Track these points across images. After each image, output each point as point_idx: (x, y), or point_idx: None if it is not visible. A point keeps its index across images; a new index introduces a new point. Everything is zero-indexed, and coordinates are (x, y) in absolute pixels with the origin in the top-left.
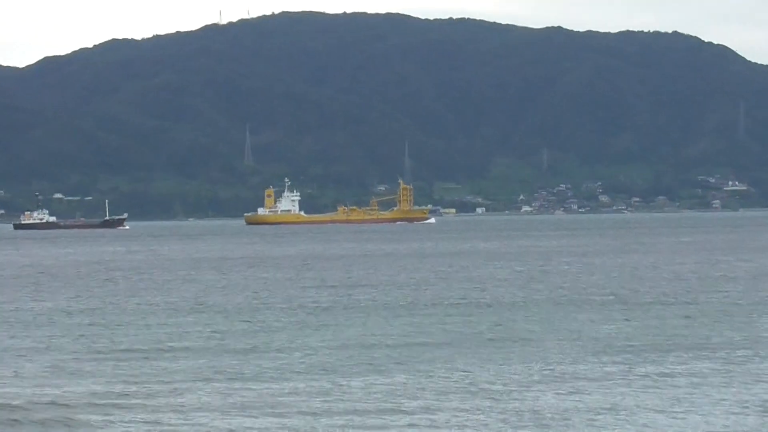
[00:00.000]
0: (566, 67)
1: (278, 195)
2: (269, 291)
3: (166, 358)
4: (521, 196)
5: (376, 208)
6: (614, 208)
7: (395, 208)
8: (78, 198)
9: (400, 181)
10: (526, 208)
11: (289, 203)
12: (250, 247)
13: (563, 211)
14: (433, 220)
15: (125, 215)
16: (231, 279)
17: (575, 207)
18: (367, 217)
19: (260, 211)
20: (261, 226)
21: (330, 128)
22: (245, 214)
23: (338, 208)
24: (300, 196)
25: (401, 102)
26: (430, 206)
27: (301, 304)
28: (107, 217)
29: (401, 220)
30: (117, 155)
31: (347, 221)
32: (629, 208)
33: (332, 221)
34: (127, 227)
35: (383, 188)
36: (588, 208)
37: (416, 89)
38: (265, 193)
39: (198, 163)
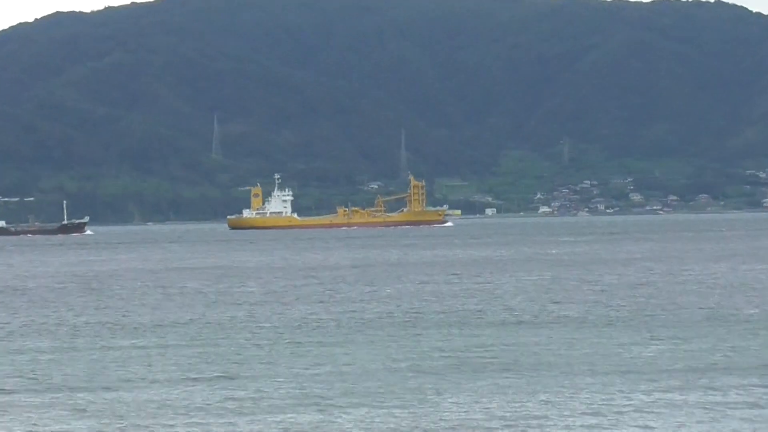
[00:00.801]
0: (591, 42)
1: (267, 194)
2: (264, 305)
3: (132, 389)
4: (538, 195)
5: (383, 209)
6: (647, 208)
7: (405, 209)
8: (17, 199)
9: (411, 177)
10: (543, 208)
11: (279, 204)
12: (246, 256)
13: (588, 212)
14: (450, 223)
15: (86, 218)
16: (221, 291)
17: (602, 207)
18: (371, 219)
19: (246, 213)
20: (247, 230)
21: (313, 117)
22: (228, 216)
23: (337, 210)
24: (293, 195)
25: (397, 86)
26: (446, 207)
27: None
28: (66, 221)
29: (413, 223)
30: (61, 148)
31: (348, 225)
32: (665, 209)
33: (331, 225)
34: (90, 233)
35: (375, 186)
36: (617, 209)
37: (414, 71)
38: (252, 192)
39: (157, 157)
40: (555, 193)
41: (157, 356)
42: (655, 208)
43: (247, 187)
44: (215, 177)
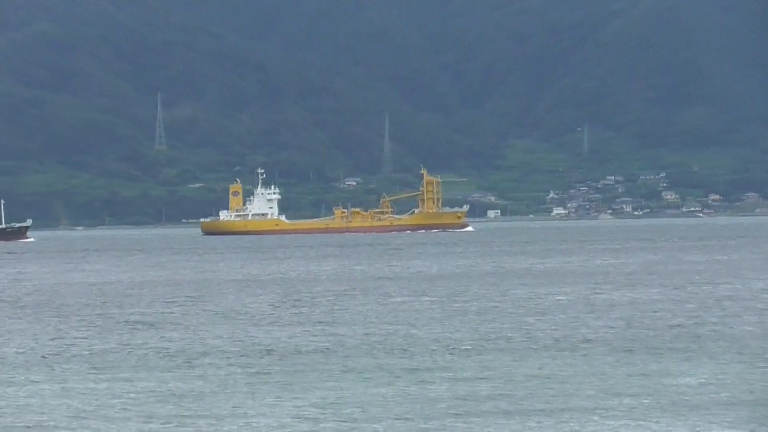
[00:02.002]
0: (615, 8)
1: (248, 193)
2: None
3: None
4: (551, 194)
5: (390, 210)
6: (684, 209)
7: (416, 211)
8: None
9: (423, 171)
10: (557, 210)
11: (264, 204)
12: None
13: (611, 214)
14: (470, 227)
15: (29, 222)
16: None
17: (628, 208)
18: (376, 223)
19: (223, 215)
20: (225, 236)
21: (277, 100)
22: (202, 219)
23: (334, 211)
24: (280, 194)
25: (379, 63)
26: (466, 207)
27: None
28: (4, 225)
29: (427, 227)
30: None
31: (347, 229)
32: (705, 210)
33: (326, 229)
34: (32, 239)
35: (353, 183)
36: (646, 210)
37: (400, 45)
38: (230, 190)
39: (89, 149)
40: (571, 191)
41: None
42: (692, 209)
43: (198, 184)
44: (159, 172)
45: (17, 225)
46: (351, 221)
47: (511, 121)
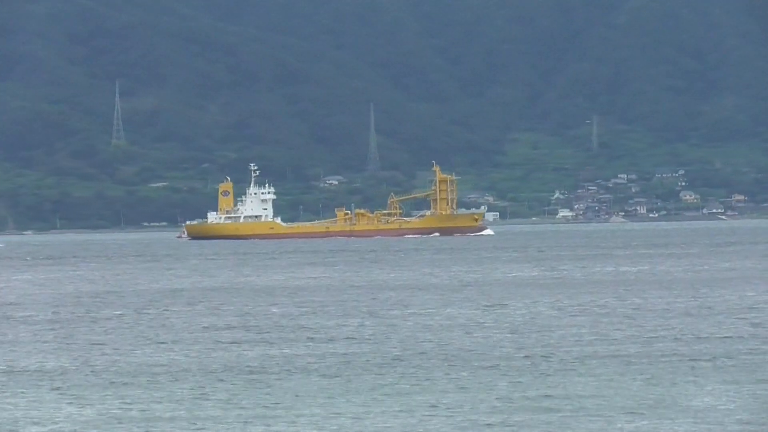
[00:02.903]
0: None
1: (240, 192)
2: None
3: None
4: (557, 194)
5: (399, 211)
6: (704, 211)
7: (428, 212)
8: None
9: (436, 168)
10: (564, 212)
11: (257, 205)
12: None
13: (624, 216)
14: (489, 230)
15: None
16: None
17: (643, 210)
18: (383, 226)
19: (212, 217)
20: (214, 240)
21: (250, 88)
22: (187, 222)
23: (336, 213)
24: (275, 193)
25: (365, 45)
26: (484, 208)
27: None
28: None
29: (441, 230)
30: None
31: (351, 233)
32: (729, 212)
33: (327, 233)
34: (1, 245)
35: (335, 182)
36: (663, 212)
37: (389, 26)
38: (220, 189)
39: (37, 143)
40: (580, 191)
41: None
42: (714, 211)
43: (160, 183)
44: (117, 170)
45: None
46: (355, 224)
47: (514, 112)
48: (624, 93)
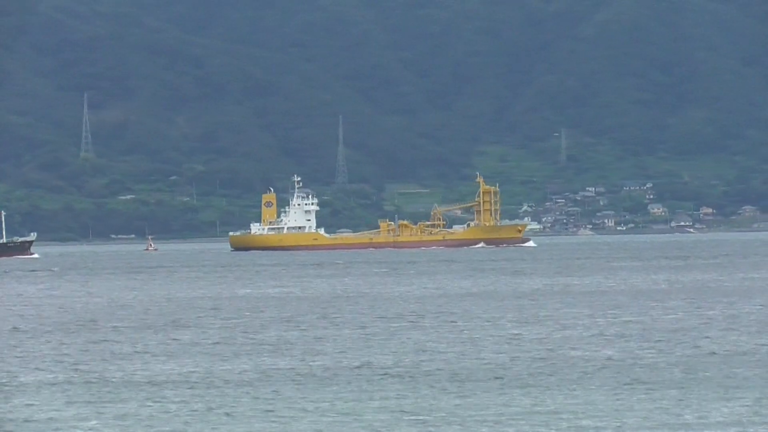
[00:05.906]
0: None
1: (283, 203)
2: None
3: None
4: (524, 207)
5: (442, 223)
6: (673, 224)
7: (472, 223)
8: None
9: (479, 179)
10: (532, 224)
11: (301, 216)
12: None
13: (591, 229)
14: (532, 242)
15: (33, 235)
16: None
17: (610, 223)
18: (426, 237)
19: (255, 228)
20: (257, 251)
21: (218, 100)
22: (231, 233)
23: (380, 224)
24: (318, 204)
25: (332, 57)
26: (528, 220)
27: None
28: (6, 239)
29: (486, 241)
30: None
31: (394, 244)
32: (697, 225)
33: (371, 244)
34: (36, 255)
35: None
36: (631, 225)
37: (358, 38)
38: (263, 201)
39: (5, 155)
40: (547, 204)
41: None
42: (682, 224)
43: (128, 196)
44: (85, 182)
45: (20, 239)
46: (399, 235)
47: (482, 125)
48: (592, 106)
